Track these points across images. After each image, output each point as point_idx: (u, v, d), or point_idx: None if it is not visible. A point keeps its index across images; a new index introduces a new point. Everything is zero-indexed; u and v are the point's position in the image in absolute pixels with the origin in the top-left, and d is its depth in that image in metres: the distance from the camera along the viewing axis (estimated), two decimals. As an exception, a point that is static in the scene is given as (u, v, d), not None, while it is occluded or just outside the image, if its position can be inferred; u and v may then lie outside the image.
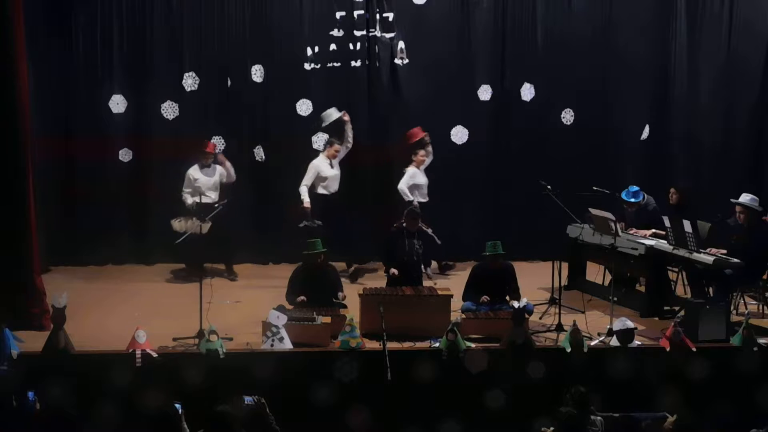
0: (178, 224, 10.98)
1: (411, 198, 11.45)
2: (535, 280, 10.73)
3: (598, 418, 7.26)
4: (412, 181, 11.60)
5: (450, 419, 8.14)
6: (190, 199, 11.13)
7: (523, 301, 9.18)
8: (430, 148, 11.79)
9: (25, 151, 9.35)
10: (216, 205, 10.55)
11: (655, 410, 7.83)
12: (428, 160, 11.79)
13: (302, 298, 9.40)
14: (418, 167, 11.67)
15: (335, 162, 11.55)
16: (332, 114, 11.61)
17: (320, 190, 11.45)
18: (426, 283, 10.30)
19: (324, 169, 11.45)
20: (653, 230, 10.56)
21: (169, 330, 9.02)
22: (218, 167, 11.41)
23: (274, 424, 7.09)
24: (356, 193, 12.22)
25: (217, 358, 8.34)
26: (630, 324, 8.89)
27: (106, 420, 7.87)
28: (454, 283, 10.61)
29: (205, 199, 10.80)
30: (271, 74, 12.07)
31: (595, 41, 12.64)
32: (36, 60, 10.75)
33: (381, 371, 7.87)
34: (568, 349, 8.64)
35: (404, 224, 10.36)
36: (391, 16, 12.17)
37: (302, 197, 11.29)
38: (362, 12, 12.09)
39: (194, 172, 11.32)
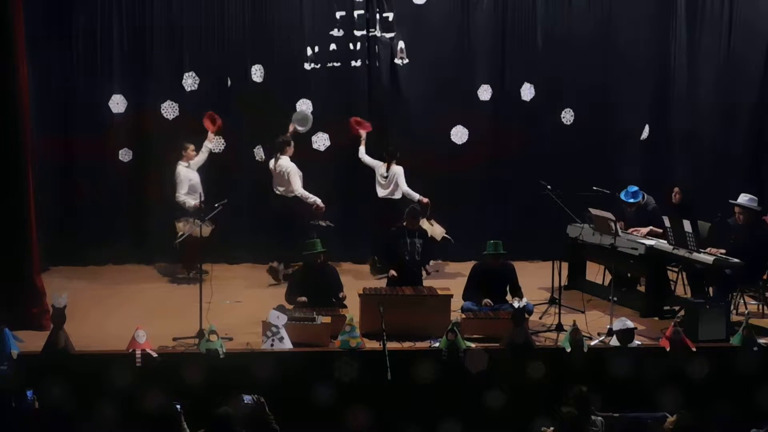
0: (183, 226, 10.94)
1: (418, 196, 11.48)
2: (535, 280, 10.73)
3: (599, 418, 7.27)
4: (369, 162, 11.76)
5: (450, 419, 8.15)
6: (191, 201, 11.08)
7: (523, 301, 9.18)
8: None
9: (25, 151, 9.35)
10: (215, 206, 10.56)
11: (655, 410, 7.84)
12: None
13: (302, 298, 9.41)
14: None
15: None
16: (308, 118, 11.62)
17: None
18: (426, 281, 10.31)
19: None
20: (650, 228, 10.56)
21: (169, 330, 9.02)
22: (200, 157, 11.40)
23: (273, 423, 7.09)
24: (356, 193, 12.23)
25: (217, 358, 8.33)
26: (630, 324, 8.88)
27: (106, 420, 7.87)
28: (454, 283, 10.60)
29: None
30: (271, 74, 12.07)
31: (595, 41, 12.64)
32: (36, 60, 10.75)
33: (381, 371, 7.87)
34: (568, 349, 8.64)
35: (405, 223, 10.35)
36: (391, 16, 12.17)
37: (311, 199, 11.18)
38: (362, 12, 12.10)
39: (184, 171, 11.28)
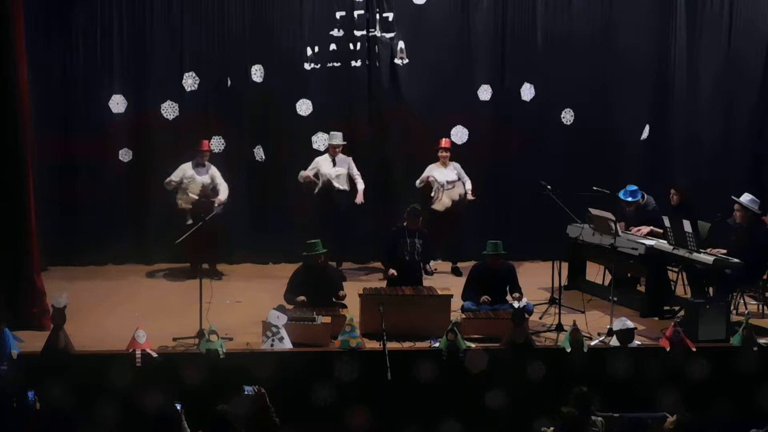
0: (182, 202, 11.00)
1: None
2: (535, 280, 10.73)
3: (599, 418, 7.27)
4: (426, 174, 11.71)
5: (450, 419, 8.15)
6: (175, 181, 11.16)
7: (523, 301, 9.18)
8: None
9: (25, 151, 9.35)
10: (216, 205, 10.58)
11: (655, 410, 7.84)
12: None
13: (302, 298, 9.40)
14: (443, 164, 11.73)
15: (339, 160, 11.55)
16: (336, 136, 11.62)
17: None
18: (426, 281, 10.30)
19: (323, 165, 11.49)
20: (651, 228, 10.56)
21: (169, 330, 9.02)
22: (212, 169, 11.38)
23: (274, 416, 7.08)
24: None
25: (217, 358, 8.34)
26: (630, 324, 8.89)
27: (106, 420, 7.87)
28: (454, 283, 10.61)
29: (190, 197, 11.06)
30: (271, 74, 12.06)
31: (595, 41, 12.63)
32: (36, 60, 10.74)
33: (381, 371, 7.87)
34: (568, 349, 8.64)
35: (405, 223, 10.35)
36: (391, 16, 12.16)
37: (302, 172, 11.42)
38: (362, 12, 12.09)
39: (188, 167, 11.30)
